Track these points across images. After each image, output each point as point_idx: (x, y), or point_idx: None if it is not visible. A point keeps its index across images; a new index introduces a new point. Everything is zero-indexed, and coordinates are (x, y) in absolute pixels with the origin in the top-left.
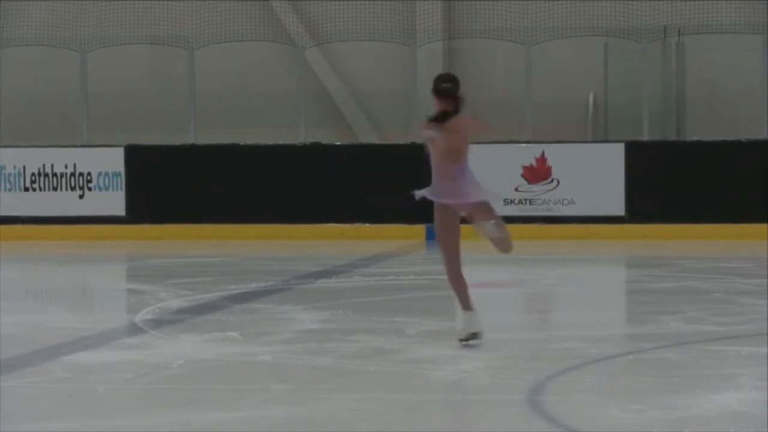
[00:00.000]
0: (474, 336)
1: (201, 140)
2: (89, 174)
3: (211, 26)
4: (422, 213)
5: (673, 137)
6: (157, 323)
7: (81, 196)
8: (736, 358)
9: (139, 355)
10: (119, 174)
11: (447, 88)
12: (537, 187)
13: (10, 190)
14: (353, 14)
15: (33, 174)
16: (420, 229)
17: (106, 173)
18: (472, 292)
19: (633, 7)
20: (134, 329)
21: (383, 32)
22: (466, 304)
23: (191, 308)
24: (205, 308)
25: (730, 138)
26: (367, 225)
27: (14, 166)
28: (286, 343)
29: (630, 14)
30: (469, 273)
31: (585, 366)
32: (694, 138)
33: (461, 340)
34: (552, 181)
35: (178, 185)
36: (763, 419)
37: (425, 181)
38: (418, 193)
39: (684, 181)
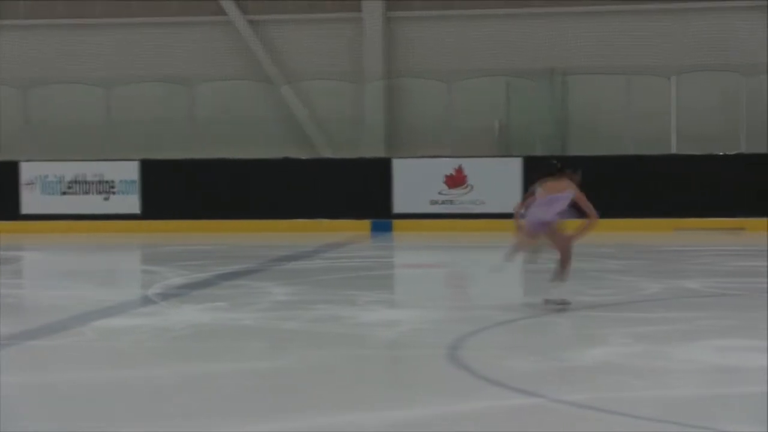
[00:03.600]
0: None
1: (198, 155)
2: (112, 181)
3: (206, 68)
4: (367, 211)
5: (559, 153)
6: (164, 296)
7: (106, 199)
8: (607, 320)
9: (151, 321)
10: (135, 181)
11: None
12: (455, 191)
13: (51, 194)
14: (317, 59)
15: (69, 181)
16: (366, 223)
17: (126, 181)
18: (406, 272)
19: (529, 54)
20: (147, 301)
21: (339, 73)
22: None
23: (190, 284)
24: (201, 284)
25: (603, 153)
26: (326, 220)
27: (54, 175)
28: (264, 310)
29: (526, 59)
30: (404, 257)
31: (493, 328)
32: (576, 153)
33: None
34: (467, 186)
35: (181, 190)
36: (628, 366)
37: (369, 185)
38: None
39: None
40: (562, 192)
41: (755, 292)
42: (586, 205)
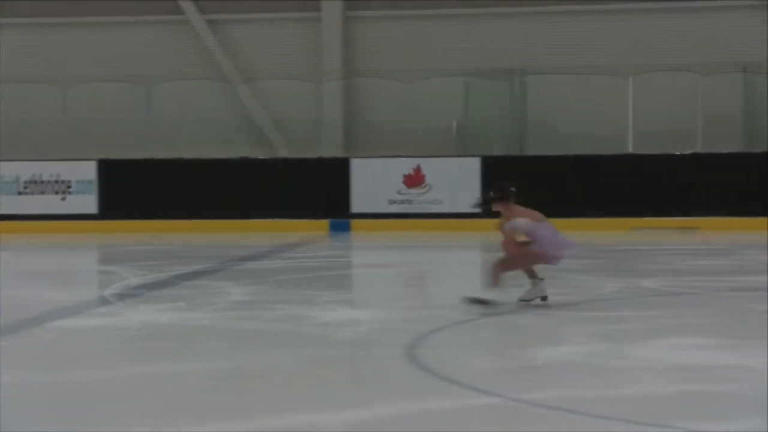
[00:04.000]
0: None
1: (156, 155)
2: (69, 181)
3: (164, 68)
4: (326, 210)
5: (517, 153)
6: (121, 296)
7: (63, 199)
8: (566, 319)
9: (109, 321)
10: (92, 181)
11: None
12: (414, 191)
13: (7, 194)
14: (275, 59)
15: (26, 182)
16: (325, 222)
17: (83, 180)
18: (364, 272)
19: (487, 54)
20: (104, 301)
21: (297, 72)
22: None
23: (148, 284)
24: (159, 284)
25: (559, 153)
26: (285, 220)
27: (10, 176)
28: (222, 311)
29: (485, 59)
30: (363, 257)
31: (451, 327)
32: (534, 153)
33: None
34: (426, 186)
35: (139, 190)
36: (587, 365)
37: (328, 185)
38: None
39: (525, 185)
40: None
41: (712, 291)
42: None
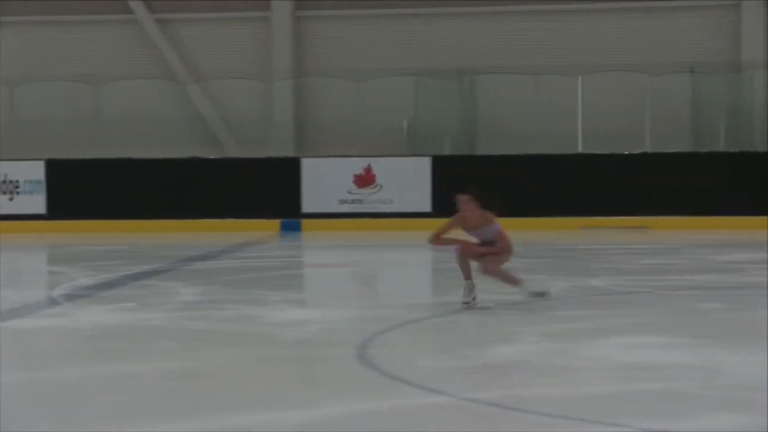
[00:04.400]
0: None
1: (105, 155)
2: (17, 181)
3: (113, 67)
4: (276, 210)
5: (467, 152)
6: (70, 297)
7: (11, 199)
8: (516, 319)
9: (59, 322)
10: (41, 181)
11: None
12: (365, 191)
13: None
14: (225, 58)
15: None
16: (275, 222)
17: (31, 180)
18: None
19: (437, 54)
20: (53, 302)
21: (247, 72)
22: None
23: (98, 285)
24: (109, 285)
25: (509, 152)
26: (235, 220)
27: None
28: (172, 311)
29: (435, 59)
30: (314, 256)
31: (402, 326)
32: (484, 152)
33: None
34: (376, 186)
35: (88, 189)
36: (536, 364)
37: (278, 185)
38: None
39: (475, 185)
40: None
41: (661, 290)
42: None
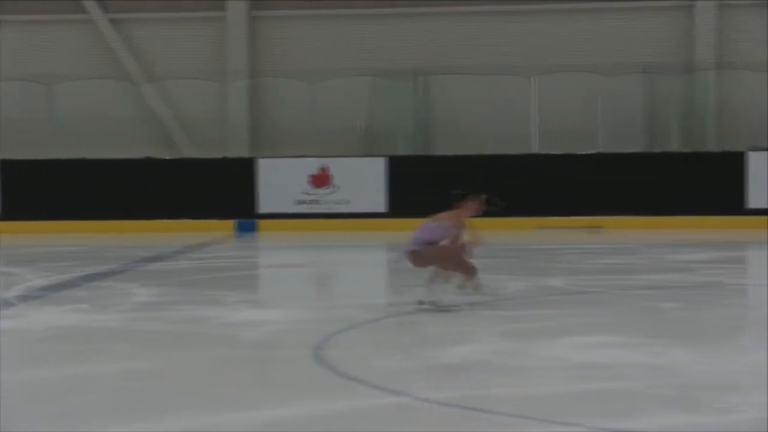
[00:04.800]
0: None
1: (60, 156)
2: None
3: (67, 67)
4: (232, 211)
5: (423, 152)
6: (24, 298)
7: None
8: (472, 319)
9: (12, 323)
10: None
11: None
12: (320, 191)
13: None
14: (180, 58)
15: None
16: (231, 223)
17: None
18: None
19: (392, 54)
20: (6, 303)
21: (202, 72)
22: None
23: (52, 286)
24: (63, 286)
25: (465, 153)
26: (190, 220)
27: None
28: (127, 312)
29: (390, 59)
30: (270, 257)
31: (358, 327)
32: (438, 153)
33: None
34: (332, 186)
35: (42, 190)
36: (492, 364)
37: (234, 185)
38: None
39: (431, 185)
40: (439, 221)
41: (616, 290)
42: (474, 233)
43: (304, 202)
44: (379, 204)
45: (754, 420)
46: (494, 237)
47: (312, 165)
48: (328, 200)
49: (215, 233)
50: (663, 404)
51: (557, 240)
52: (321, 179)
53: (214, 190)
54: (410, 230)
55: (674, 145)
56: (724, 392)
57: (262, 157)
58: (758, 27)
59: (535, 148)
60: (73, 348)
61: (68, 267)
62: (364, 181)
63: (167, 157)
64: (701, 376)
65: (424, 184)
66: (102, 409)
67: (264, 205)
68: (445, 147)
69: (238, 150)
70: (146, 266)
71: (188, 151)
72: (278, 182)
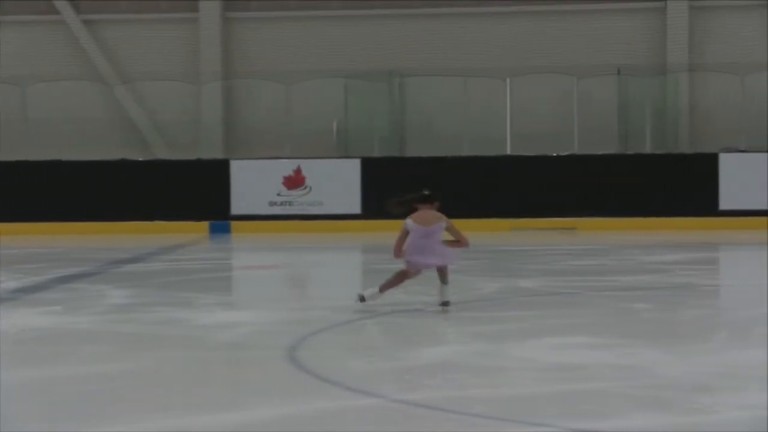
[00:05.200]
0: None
1: (33, 157)
2: None
3: (39, 68)
4: (205, 212)
5: (396, 154)
6: None
7: None
8: (445, 320)
9: None
10: None
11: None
12: (294, 193)
13: None
14: (153, 60)
15: None
16: (204, 225)
17: None
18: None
19: (366, 56)
20: None
21: (175, 74)
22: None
23: (25, 288)
24: (36, 288)
25: (439, 154)
26: (164, 222)
27: None
28: (101, 314)
29: (364, 61)
30: (243, 258)
31: (332, 328)
32: (412, 155)
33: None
34: (306, 187)
35: (15, 192)
36: (465, 365)
37: (207, 187)
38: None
39: (405, 186)
40: (436, 223)
41: (590, 291)
42: (458, 233)
43: (277, 203)
44: (353, 205)
45: (755, 420)
46: (470, 238)
47: (286, 166)
48: (301, 202)
49: (189, 235)
50: (636, 405)
51: (531, 241)
52: (295, 181)
53: (188, 191)
54: (384, 231)
55: (648, 147)
56: (697, 393)
57: (236, 159)
58: (729, 29)
59: (508, 149)
60: (46, 350)
61: (42, 269)
62: (338, 183)
63: (141, 159)
64: (674, 376)
65: (398, 186)
66: (75, 410)
67: (238, 207)
68: (419, 148)
69: (211, 151)
70: (120, 268)
71: (162, 153)
72: (252, 184)
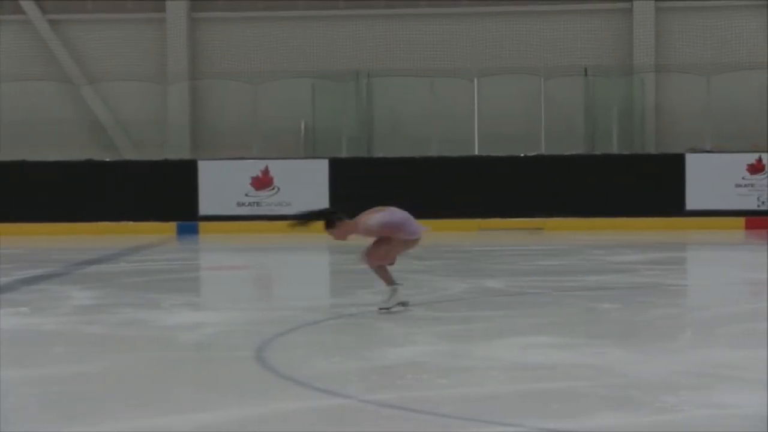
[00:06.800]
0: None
1: None
2: None
3: (5, 68)
4: (172, 213)
5: (364, 154)
6: None
7: None
8: (413, 320)
9: None
10: None
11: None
12: (262, 193)
13: None
14: (119, 60)
15: None
16: (172, 225)
17: None
18: (212, 274)
19: (334, 56)
20: None
21: (142, 74)
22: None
23: None
24: (1, 289)
25: (407, 155)
26: (130, 223)
27: None
28: (66, 315)
29: (331, 61)
30: (211, 259)
31: (299, 329)
32: (380, 155)
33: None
34: (274, 188)
35: None
36: (433, 365)
37: (175, 187)
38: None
39: (373, 187)
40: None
41: (556, 291)
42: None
43: (245, 204)
44: (322, 206)
45: (755, 420)
46: (436, 238)
47: (253, 167)
48: (269, 202)
49: (156, 236)
50: (603, 404)
51: (498, 241)
52: (262, 181)
53: (155, 192)
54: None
55: (614, 147)
56: (664, 392)
57: (203, 159)
58: (695, 29)
59: (476, 150)
60: (12, 351)
61: (7, 270)
62: (306, 183)
63: (107, 159)
64: (641, 376)
65: (366, 187)
66: (41, 412)
67: (205, 207)
68: (387, 149)
69: (178, 152)
70: (86, 269)
71: (129, 153)
72: (219, 184)
